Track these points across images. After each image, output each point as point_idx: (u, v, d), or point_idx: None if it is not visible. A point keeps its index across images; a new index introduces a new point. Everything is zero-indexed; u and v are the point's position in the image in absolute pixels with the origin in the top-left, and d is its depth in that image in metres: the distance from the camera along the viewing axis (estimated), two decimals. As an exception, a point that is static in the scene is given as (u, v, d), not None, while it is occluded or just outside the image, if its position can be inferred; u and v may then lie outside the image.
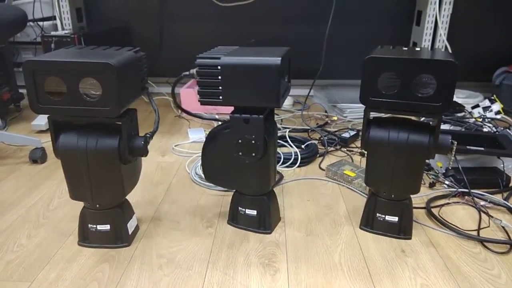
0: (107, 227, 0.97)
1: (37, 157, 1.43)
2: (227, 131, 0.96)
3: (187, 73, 0.94)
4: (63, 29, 2.11)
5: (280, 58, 0.86)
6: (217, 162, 1.00)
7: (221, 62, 0.88)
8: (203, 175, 1.31)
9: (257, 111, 0.92)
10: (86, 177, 0.90)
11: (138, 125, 0.96)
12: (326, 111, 2.02)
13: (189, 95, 1.99)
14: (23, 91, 1.92)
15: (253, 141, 0.93)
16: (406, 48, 1.00)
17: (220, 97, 0.91)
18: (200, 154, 1.03)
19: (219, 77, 0.89)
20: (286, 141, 1.56)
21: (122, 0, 2.30)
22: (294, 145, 1.53)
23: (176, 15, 2.31)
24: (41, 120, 1.73)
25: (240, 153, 0.95)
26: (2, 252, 0.96)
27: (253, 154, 0.95)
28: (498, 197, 1.19)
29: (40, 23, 2.17)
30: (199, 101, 0.93)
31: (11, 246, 0.99)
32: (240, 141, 0.94)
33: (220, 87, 0.90)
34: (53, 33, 1.89)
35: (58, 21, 2.11)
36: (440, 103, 0.87)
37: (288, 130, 1.71)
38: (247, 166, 0.98)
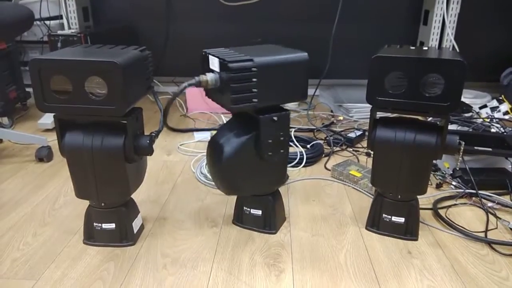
0: (113, 225, 0.97)
1: (43, 155, 1.43)
2: (250, 136, 0.92)
3: (193, 81, 0.87)
4: (69, 28, 2.12)
5: (306, 53, 0.89)
6: (241, 172, 0.95)
7: (256, 63, 0.86)
8: (208, 175, 1.31)
9: (280, 109, 0.93)
10: (92, 176, 0.90)
11: (143, 124, 0.96)
12: (332, 111, 2.01)
13: (195, 94, 1.99)
14: (30, 90, 1.93)
15: (281, 138, 0.94)
16: (413, 48, 0.99)
17: (255, 100, 0.88)
18: (207, 156, 0.98)
19: (254, 80, 0.87)
20: (292, 141, 1.55)
21: (128, -1, 2.30)
22: (300, 145, 1.52)
23: (181, 14, 2.31)
24: (47, 119, 1.73)
25: (270, 153, 0.94)
26: (8, 250, 0.97)
27: (282, 151, 0.95)
28: (506, 199, 1.17)
29: (47, 22, 2.18)
30: (232, 107, 0.87)
31: (17, 244, 0.99)
32: (270, 141, 0.93)
33: (255, 89, 0.87)
34: (59, 32, 1.89)
35: (64, 20, 2.12)
36: (448, 103, 0.86)
37: (293, 129, 1.70)
38: (269, 165, 0.97)
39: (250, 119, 0.94)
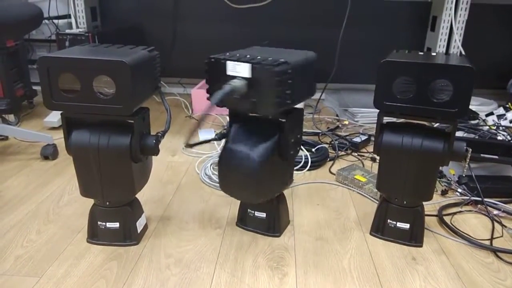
0: (116, 224, 0.97)
1: (49, 153, 1.44)
2: (274, 140, 0.91)
3: (227, 89, 0.80)
4: (77, 27, 2.13)
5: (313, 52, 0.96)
6: (269, 176, 0.94)
7: (292, 65, 0.86)
8: (213, 176, 1.31)
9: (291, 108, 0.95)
10: (97, 174, 0.90)
11: (150, 124, 0.96)
12: (337, 115, 2.01)
13: (200, 96, 1.99)
14: (37, 87, 1.94)
15: (298, 136, 0.97)
16: (422, 53, 0.99)
17: (289, 101, 0.87)
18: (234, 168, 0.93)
19: (289, 81, 0.85)
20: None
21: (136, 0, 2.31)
22: (305, 148, 1.52)
23: (189, 16, 2.31)
24: (54, 117, 1.74)
25: (292, 152, 0.96)
26: (12, 247, 0.97)
27: (298, 148, 0.99)
28: (511, 207, 1.17)
29: (55, 21, 2.19)
30: (271, 112, 0.86)
31: (20, 241, 0.99)
32: (292, 140, 0.94)
33: (289, 91, 0.86)
34: (67, 31, 1.91)
35: (73, 20, 2.13)
36: (456, 109, 0.85)
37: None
38: (285, 165, 0.98)
39: (262, 123, 0.94)
